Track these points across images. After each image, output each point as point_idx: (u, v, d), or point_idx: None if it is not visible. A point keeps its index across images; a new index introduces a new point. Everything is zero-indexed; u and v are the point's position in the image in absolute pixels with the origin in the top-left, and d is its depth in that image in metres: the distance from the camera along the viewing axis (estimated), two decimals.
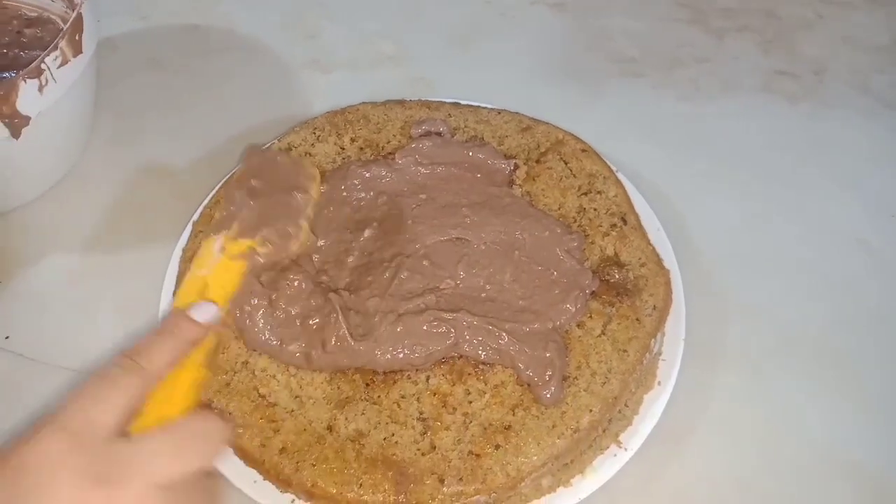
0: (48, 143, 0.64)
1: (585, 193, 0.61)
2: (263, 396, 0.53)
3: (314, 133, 0.65)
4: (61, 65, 0.59)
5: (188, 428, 0.41)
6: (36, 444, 0.37)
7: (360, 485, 0.49)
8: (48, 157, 0.66)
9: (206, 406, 0.52)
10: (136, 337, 0.44)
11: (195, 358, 0.45)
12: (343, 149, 0.64)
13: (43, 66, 0.58)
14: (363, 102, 0.67)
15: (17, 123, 0.58)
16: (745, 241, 0.65)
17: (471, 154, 0.62)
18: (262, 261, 0.53)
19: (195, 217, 0.62)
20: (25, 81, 0.57)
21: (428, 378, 0.52)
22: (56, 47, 0.58)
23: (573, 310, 0.54)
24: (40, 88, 0.58)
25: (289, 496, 0.51)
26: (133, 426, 0.40)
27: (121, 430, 0.39)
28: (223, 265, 0.52)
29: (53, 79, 0.59)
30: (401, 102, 0.67)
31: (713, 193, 0.68)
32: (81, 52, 0.61)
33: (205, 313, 0.47)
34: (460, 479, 0.48)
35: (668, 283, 0.56)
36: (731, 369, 0.58)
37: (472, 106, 0.66)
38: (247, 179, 0.56)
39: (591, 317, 0.54)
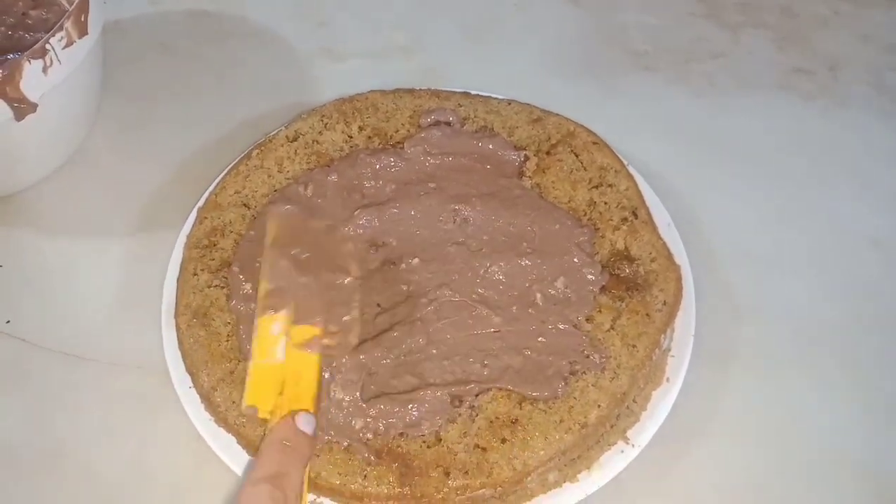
0: (52, 126, 0.63)
1: (596, 187, 0.60)
2: None
3: (322, 120, 0.64)
4: (66, 46, 0.58)
5: None
6: None
7: (365, 476, 0.48)
8: (52, 140, 0.65)
9: None
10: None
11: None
12: (351, 137, 0.64)
13: (47, 46, 0.57)
14: (372, 90, 0.66)
15: (23, 108, 0.57)
16: (756, 238, 0.64)
17: (480, 145, 0.62)
18: (331, 353, 0.50)
19: (200, 203, 0.61)
20: (30, 62, 0.56)
21: None
22: (61, 28, 0.57)
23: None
24: (45, 69, 0.57)
25: None
26: None
27: None
28: (295, 357, 0.49)
29: (58, 60, 0.58)
30: (410, 91, 0.66)
31: (725, 190, 0.67)
32: (87, 34, 0.60)
33: (309, 424, 0.46)
34: (466, 472, 0.48)
35: (678, 279, 0.55)
36: (741, 367, 0.58)
37: (482, 96, 0.66)
38: (286, 246, 0.53)
39: (600, 311, 0.54)
